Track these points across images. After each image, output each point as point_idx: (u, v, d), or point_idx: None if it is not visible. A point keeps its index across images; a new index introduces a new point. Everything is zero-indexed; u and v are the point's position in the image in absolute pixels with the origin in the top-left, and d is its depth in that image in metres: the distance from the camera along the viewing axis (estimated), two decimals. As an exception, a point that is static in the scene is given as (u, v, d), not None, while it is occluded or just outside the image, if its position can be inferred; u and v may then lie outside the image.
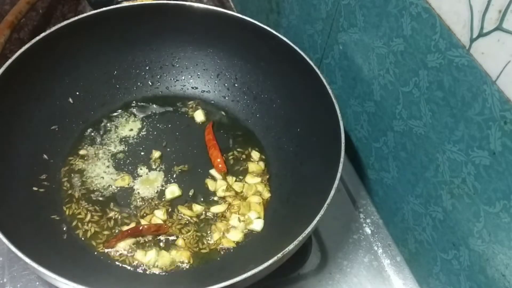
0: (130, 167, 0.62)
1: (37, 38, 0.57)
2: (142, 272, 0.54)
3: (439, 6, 0.45)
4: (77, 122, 0.65)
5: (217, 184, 0.61)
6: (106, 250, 0.54)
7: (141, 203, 0.59)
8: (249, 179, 0.62)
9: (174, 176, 0.62)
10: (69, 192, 0.59)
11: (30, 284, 0.53)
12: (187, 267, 0.54)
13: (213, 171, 0.63)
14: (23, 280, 0.53)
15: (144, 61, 0.69)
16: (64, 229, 0.55)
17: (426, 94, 0.49)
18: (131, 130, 0.66)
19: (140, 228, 0.56)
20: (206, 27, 0.66)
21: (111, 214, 0.57)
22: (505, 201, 0.42)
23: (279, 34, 0.62)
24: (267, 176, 0.63)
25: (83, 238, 0.55)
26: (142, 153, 0.64)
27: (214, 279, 0.42)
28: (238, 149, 0.66)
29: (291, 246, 0.44)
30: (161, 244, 0.56)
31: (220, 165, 0.62)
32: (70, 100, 0.64)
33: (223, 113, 0.69)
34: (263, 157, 0.64)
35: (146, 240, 0.56)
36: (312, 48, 0.71)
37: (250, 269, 0.43)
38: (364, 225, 0.63)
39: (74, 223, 0.56)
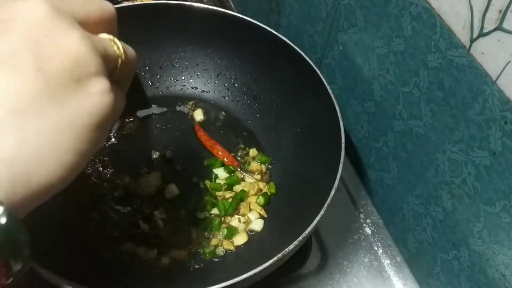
0: (130, 167, 0.62)
1: (37, 38, 0.57)
2: (142, 272, 0.53)
3: (439, 6, 0.45)
4: (77, 122, 0.64)
5: (217, 184, 0.61)
6: (106, 250, 0.54)
7: (141, 203, 0.59)
8: (249, 179, 0.62)
9: (174, 176, 0.62)
10: (69, 192, 0.59)
11: (30, 284, 0.53)
12: (187, 267, 0.54)
13: (216, 170, 0.62)
14: (24, 280, 0.53)
15: (144, 61, 0.69)
16: (64, 229, 0.55)
17: (426, 94, 0.49)
18: (131, 130, 0.66)
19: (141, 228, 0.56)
20: (206, 27, 0.66)
21: (111, 214, 0.57)
22: (506, 201, 0.42)
23: (279, 34, 0.62)
24: (267, 176, 0.63)
25: (83, 239, 0.55)
26: (142, 153, 0.64)
27: (214, 279, 0.42)
28: (238, 149, 0.66)
29: (291, 246, 0.44)
30: (161, 244, 0.56)
31: (231, 160, 0.63)
32: (70, 100, 0.64)
33: (223, 113, 0.69)
34: (263, 157, 0.64)
35: (146, 240, 0.56)
36: (312, 48, 0.71)
37: (250, 269, 0.43)
38: (364, 225, 0.63)
39: (74, 223, 0.56)
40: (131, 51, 0.33)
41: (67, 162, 0.26)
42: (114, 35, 0.31)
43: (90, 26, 0.29)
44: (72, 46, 0.26)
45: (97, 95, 0.27)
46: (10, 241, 0.23)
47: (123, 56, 0.31)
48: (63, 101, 0.26)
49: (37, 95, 0.25)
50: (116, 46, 0.31)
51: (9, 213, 0.23)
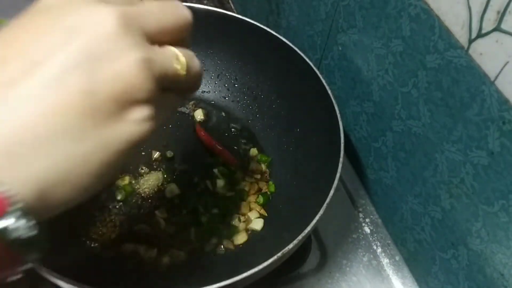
0: (130, 167, 0.62)
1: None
2: (142, 271, 0.54)
3: (438, 7, 0.45)
4: (77, 122, 0.64)
5: (218, 183, 0.62)
6: (106, 250, 0.54)
7: (141, 203, 0.59)
8: (249, 178, 0.62)
9: (174, 175, 0.62)
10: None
11: (31, 284, 0.53)
12: (187, 266, 0.55)
13: (216, 170, 0.63)
14: (24, 280, 0.53)
15: (144, 61, 0.69)
16: (65, 229, 0.55)
17: (425, 94, 0.49)
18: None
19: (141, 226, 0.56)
20: (206, 28, 0.66)
21: (112, 214, 0.58)
22: (504, 200, 0.42)
23: (279, 35, 0.62)
24: (267, 176, 0.63)
25: (83, 239, 0.55)
26: (142, 153, 0.64)
27: (214, 278, 0.42)
28: (238, 149, 0.66)
29: (290, 246, 0.45)
30: (162, 243, 0.56)
31: (232, 160, 0.63)
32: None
33: (223, 113, 0.70)
34: (263, 157, 0.65)
35: (147, 240, 0.56)
36: (312, 49, 0.71)
37: (250, 268, 0.43)
38: (363, 224, 0.64)
39: (74, 223, 0.56)
40: (195, 66, 0.31)
41: (87, 184, 0.26)
42: (186, 43, 0.30)
43: (160, 36, 0.28)
44: (128, 72, 0.25)
45: (136, 122, 0.27)
46: (34, 247, 0.25)
47: (184, 73, 0.29)
48: (101, 127, 0.25)
49: (79, 119, 0.24)
50: (180, 62, 0.29)
51: (39, 226, 0.24)
